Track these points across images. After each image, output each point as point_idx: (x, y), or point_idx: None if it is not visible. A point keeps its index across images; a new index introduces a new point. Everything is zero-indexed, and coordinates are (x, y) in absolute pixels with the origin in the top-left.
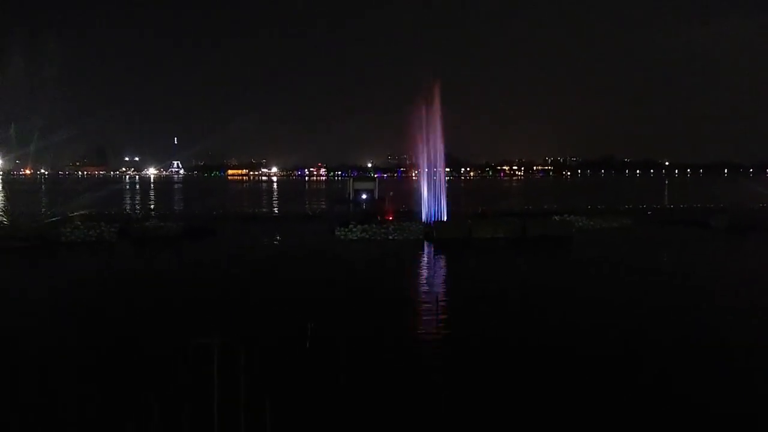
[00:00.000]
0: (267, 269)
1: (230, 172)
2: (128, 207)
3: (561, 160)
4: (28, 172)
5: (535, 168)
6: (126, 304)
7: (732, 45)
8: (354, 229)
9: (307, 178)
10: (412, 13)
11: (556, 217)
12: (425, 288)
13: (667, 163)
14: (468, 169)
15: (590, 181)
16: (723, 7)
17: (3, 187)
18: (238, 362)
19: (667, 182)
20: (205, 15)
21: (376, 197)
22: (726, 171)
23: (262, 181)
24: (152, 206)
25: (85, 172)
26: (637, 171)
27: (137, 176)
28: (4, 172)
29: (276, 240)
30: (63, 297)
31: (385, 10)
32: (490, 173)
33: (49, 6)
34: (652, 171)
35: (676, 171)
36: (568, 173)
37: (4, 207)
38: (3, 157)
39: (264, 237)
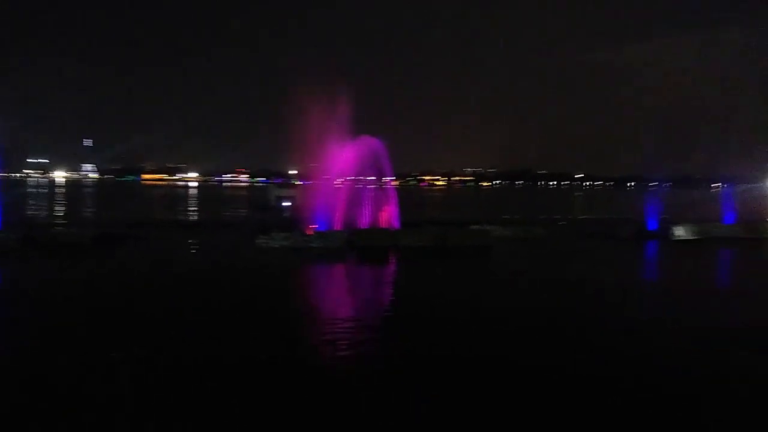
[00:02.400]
0: (180, 279)
1: (146, 176)
2: (33, 212)
3: (481, 171)
4: None
5: (455, 178)
6: (24, 314)
7: (643, 66)
8: (276, 237)
9: (226, 184)
10: (333, 20)
11: (475, 227)
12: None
13: (579, 176)
14: (391, 178)
15: (507, 192)
16: (639, 28)
17: None
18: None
19: (578, 194)
20: (121, 10)
21: (298, 204)
22: (632, 184)
23: (179, 186)
24: (61, 211)
25: None
26: (552, 182)
27: (44, 179)
28: None
29: (192, 248)
30: None
31: (308, 19)
32: (412, 182)
33: None
34: (565, 183)
35: (586, 184)
36: (487, 184)
37: None
38: None
39: (180, 245)
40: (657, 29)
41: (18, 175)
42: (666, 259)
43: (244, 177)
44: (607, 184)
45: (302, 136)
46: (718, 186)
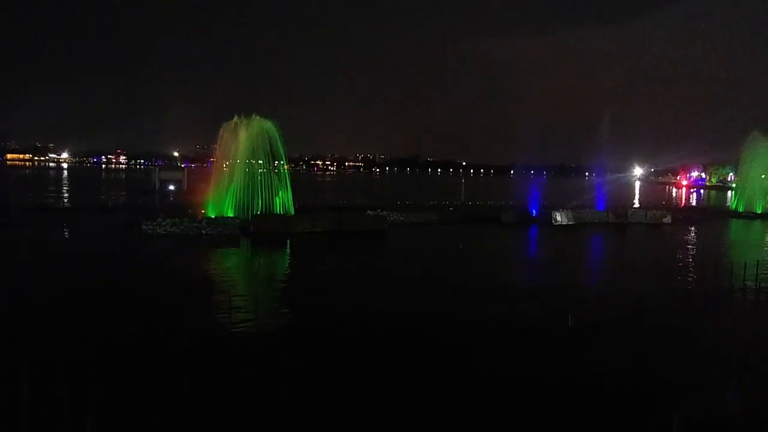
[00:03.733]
0: (52, 269)
1: (9, 156)
2: None
3: (371, 157)
4: None
5: (347, 163)
6: None
7: (531, 59)
8: (163, 223)
9: (104, 166)
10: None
11: (369, 212)
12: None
13: (464, 164)
14: (281, 161)
15: (398, 178)
16: (533, 22)
17: None
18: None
19: (464, 181)
20: None
21: (185, 188)
22: (512, 172)
23: (49, 167)
24: None
25: None
26: (439, 170)
27: None
28: None
29: (66, 232)
30: None
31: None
32: (304, 167)
33: None
34: (451, 170)
35: (472, 171)
36: (377, 170)
37: None
38: None
39: (55, 231)
40: (549, 24)
41: None
42: (541, 239)
43: (123, 158)
44: (491, 171)
45: (188, 116)
46: (591, 175)
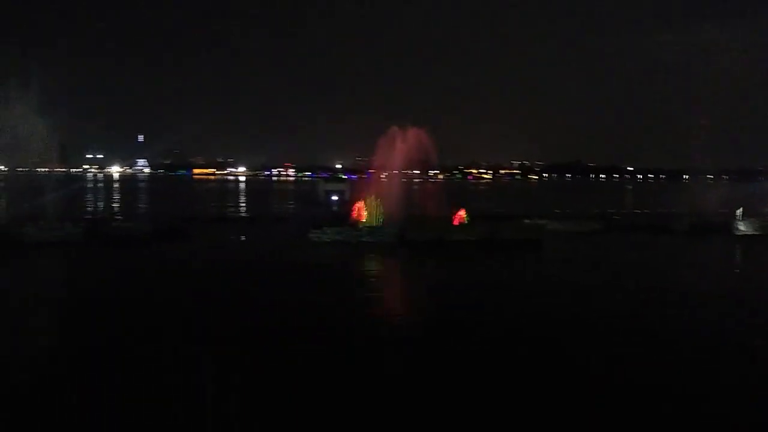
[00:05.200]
0: (239, 272)
1: (196, 171)
2: (93, 206)
3: (527, 164)
4: None
5: (502, 171)
6: (98, 306)
7: (695, 55)
8: (328, 232)
9: (275, 178)
10: (379, 14)
11: (526, 220)
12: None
13: (630, 168)
14: (436, 171)
15: (556, 185)
16: (692, 16)
17: None
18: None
19: (630, 187)
20: (170, 11)
21: (347, 199)
22: (686, 177)
23: (229, 180)
24: (117, 206)
25: (46, 169)
26: (602, 175)
27: (101, 174)
28: None
29: (244, 241)
30: (34, 300)
31: (355, 11)
32: (459, 176)
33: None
34: (616, 175)
35: (639, 176)
36: (535, 177)
37: None
38: None
39: (234, 238)
40: (712, 16)
41: (77, 170)
42: (721, 254)
43: (291, 171)
44: (661, 177)
45: (348, 130)
46: None
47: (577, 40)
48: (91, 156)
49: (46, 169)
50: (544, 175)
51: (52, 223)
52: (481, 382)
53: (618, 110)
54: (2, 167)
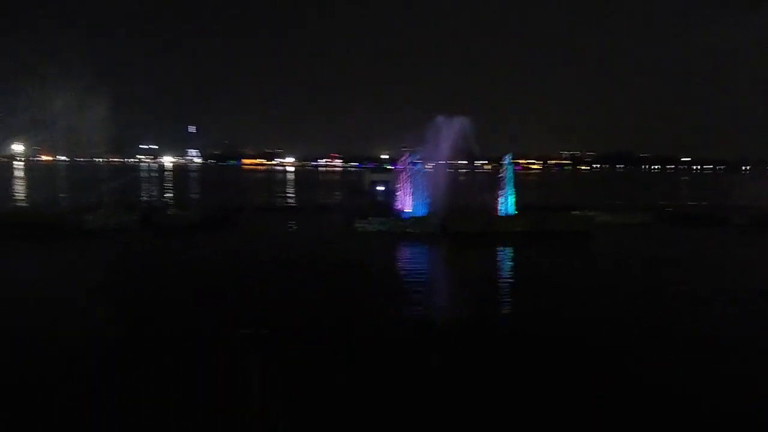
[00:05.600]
0: (286, 259)
1: (246, 161)
2: (147, 195)
3: (578, 154)
4: (46, 158)
5: (551, 162)
6: (154, 291)
7: (753, 40)
8: (372, 222)
9: (321, 168)
10: (425, 6)
11: (574, 212)
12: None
13: (685, 159)
14: (484, 161)
15: (607, 176)
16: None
17: (24, 174)
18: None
19: (685, 178)
20: (224, 4)
21: (393, 189)
22: (747, 168)
23: (277, 170)
24: (170, 195)
25: (102, 159)
26: (656, 166)
27: (154, 164)
28: (23, 158)
29: (292, 229)
30: (96, 285)
31: (409, 6)
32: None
33: None
34: (670, 167)
35: (696, 167)
36: (585, 167)
37: (26, 194)
38: (23, 143)
39: (282, 227)
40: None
41: (131, 160)
42: None
43: (338, 161)
44: (719, 168)
45: (396, 120)
46: None
47: (629, 28)
48: (145, 146)
49: (104, 160)
50: (594, 165)
51: (109, 211)
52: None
53: (674, 99)
54: (63, 158)
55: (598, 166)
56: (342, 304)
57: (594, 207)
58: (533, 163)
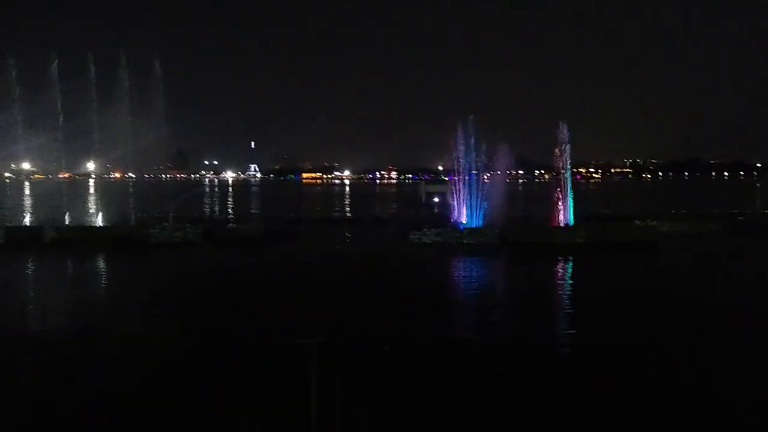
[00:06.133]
0: (345, 270)
1: (304, 175)
2: (210, 209)
3: (641, 162)
4: (117, 175)
5: (612, 170)
6: (219, 301)
7: None
8: (428, 233)
9: (378, 181)
10: (479, 14)
11: (637, 222)
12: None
13: (759, 165)
14: (542, 171)
15: (674, 184)
16: None
17: (96, 190)
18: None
19: (759, 185)
20: (280, 22)
21: (449, 200)
22: None
23: (334, 184)
24: (232, 209)
25: (168, 175)
26: (726, 173)
27: (216, 179)
28: (96, 176)
29: (348, 241)
30: (160, 294)
31: (458, 16)
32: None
33: (129, 16)
34: (742, 173)
35: None
36: (648, 175)
37: (97, 209)
38: (96, 162)
39: (339, 239)
40: None
41: (196, 175)
42: None
43: (394, 174)
44: None
45: (449, 133)
46: None
47: (695, 28)
48: (207, 162)
49: (169, 176)
50: (659, 173)
51: (174, 225)
52: None
53: (744, 102)
54: (131, 175)
55: (662, 174)
56: (407, 323)
57: (659, 216)
58: (594, 172)
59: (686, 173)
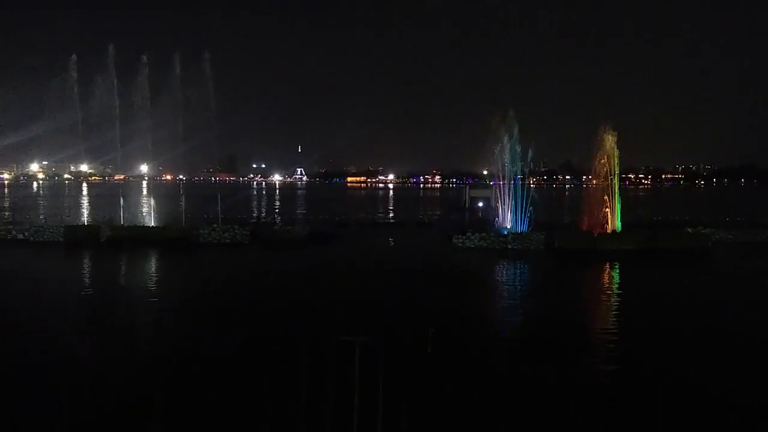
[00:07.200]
0: (389, 273)
1: (349, 179)
2: (257, 212)
3: (693, 168)
4: (169, 177)
5: (664, 176)
6: (267, 301)
7: None
8: (472, 237)
9: (422, 185)
10: (523, 18)
11: (689, 229)
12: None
13: None
14: (590, 176)
15: (727, 191)
16: None
17: (149, 192)
18: (377, 359)
19: None
20: (328, 27)
21: (493, 205)
22: None
23: (379, 188)
24: (279, 211)
25: (217, 178)
26: None
27: (264, 182)
28: (149, 178)
29: (392, 245)
30: (210, 294)
31: (501, 21)
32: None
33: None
34: None
35: None
36: (702, 182)
37: (152, 211)
38: (149, 164)
39: (383, 242)
40: None
41: (244, 178)
42: None
43: (437, 178)
44: None
45: (494, 137)
46: None
47: (746, 31)
48: (255, 165)
49: (218, 179)
50: (713, 179)
51: (223, 226)
52: None
53: None
54: (182, 176)
55: (716, 180)
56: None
57: (711, 224)
58: (643, 178)
59: (742, 180)
